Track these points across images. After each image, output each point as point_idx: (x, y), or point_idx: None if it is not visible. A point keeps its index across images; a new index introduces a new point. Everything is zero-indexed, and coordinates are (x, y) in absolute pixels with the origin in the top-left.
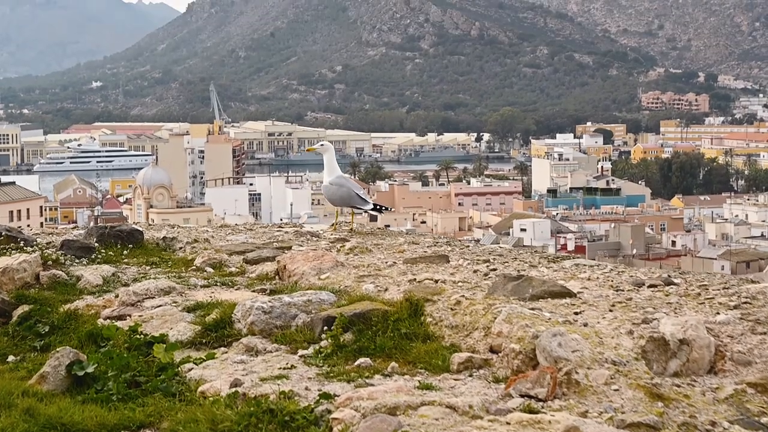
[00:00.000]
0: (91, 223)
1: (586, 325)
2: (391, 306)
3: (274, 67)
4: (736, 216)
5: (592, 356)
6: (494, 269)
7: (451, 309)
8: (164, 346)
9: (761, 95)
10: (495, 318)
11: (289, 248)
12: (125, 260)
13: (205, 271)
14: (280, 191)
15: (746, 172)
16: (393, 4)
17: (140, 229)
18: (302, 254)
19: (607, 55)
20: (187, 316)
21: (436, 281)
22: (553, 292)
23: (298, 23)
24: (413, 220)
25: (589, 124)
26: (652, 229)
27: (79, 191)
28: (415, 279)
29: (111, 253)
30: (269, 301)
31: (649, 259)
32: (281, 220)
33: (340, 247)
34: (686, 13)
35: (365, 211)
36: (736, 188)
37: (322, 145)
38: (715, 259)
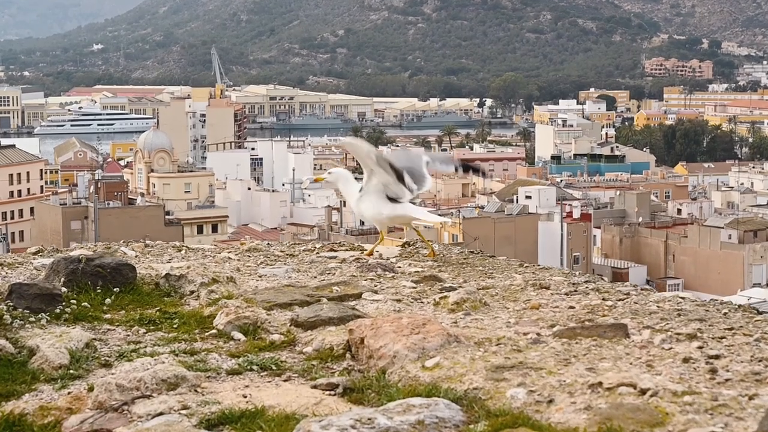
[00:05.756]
0: (91, 189)
1: None
2: None
3: (276, 31)
4: (742, 184)
5: None
6: (716, 356)
7: None
8: None
9: (765, 62)
10: None
11: (358, 296)
12: (107, 315)
13: (233, 339)
14: (282, 156)
15: (750, 140)
16: None
17: (131, 263)
18: (391, 321)
19: (610, 21)
20: None
21: (643, 392)
22: None
23: None
24: None
25: (592, 90)
26: (656, 197)
27: (80, 154)
28: (599, 383)
29: (86, 303)
30: (351, 427)
31: (655, 227)
32: (283, 185)
33: (440, 299)
34: None
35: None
36: (740, 156)
37: (330, 173)
38: (723, 228)
